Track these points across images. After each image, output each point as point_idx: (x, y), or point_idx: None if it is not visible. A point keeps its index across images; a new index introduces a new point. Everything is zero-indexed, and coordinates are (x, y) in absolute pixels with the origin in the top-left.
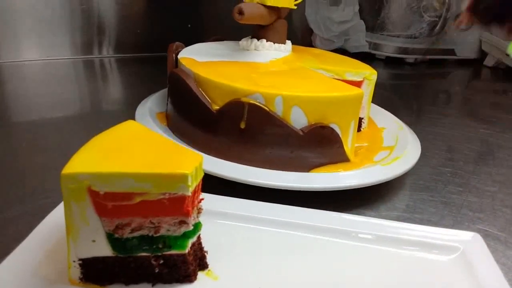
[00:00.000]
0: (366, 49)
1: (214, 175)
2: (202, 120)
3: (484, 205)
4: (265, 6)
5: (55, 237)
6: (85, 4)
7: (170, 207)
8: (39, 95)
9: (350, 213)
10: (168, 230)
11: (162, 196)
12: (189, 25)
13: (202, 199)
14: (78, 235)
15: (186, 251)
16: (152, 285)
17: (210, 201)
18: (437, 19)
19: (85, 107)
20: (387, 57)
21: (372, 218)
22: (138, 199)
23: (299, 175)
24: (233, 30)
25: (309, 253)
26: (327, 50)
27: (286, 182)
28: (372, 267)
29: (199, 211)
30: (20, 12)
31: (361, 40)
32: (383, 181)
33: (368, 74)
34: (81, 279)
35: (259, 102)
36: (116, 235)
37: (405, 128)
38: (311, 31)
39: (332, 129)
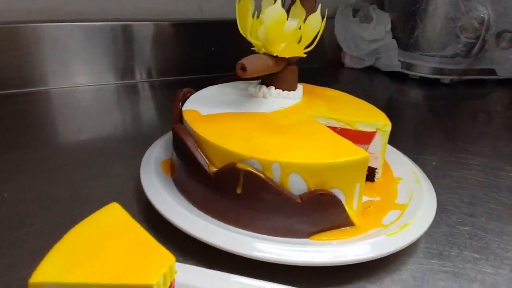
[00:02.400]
0: (398, 68)
1: (208, 243)
2: (201, 180)
3: (500, 279)
4: (272, 56)
5: None
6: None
7: None
8: (78, 121)
9: (350, 286)
10: None
11: None
12: (212, 48)
13: None
14: None
15: None
16: None
17: (197, 276)
18: (475, 40)
19: (104, 136)
20: (421, 77)
21: None
22: None
23: (297, 247)
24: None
25: None
26: (357, 68)
27: (283, 256)
28: None
29: None
30: (69, 40)
31: (393, 59)
32: (388, 254)
33: (382, 125)
34: None
35: (255, 169)
36: None
37: (422, 181)
38: (341, 49)
39: (334, 196)
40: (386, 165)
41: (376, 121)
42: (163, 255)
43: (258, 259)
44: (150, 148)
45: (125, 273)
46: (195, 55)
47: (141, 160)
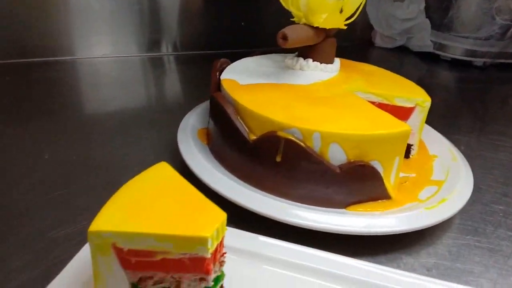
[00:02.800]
0: (430, 49)
1: (246, 208)
2: (240, 148)
3: None
4: (312, 27)
5: (81, 278)
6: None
7: (191, 265)
8: (97, 92)
9: (386, 257)
10: (189, 285)
11: (182, 256)
12: (242, 23)
13: (225, 252)
14: (105, 285)
15: None
16: None
17: (238, 238)
18: (510, 22)
19: (139, 105)
20: (453, 58)
21: (407, 274)
22: (159, 257)
23: (333, 216)
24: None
25: None
26: (387, 47)
27: (320, 223)
28: None
29: (221, 264)
30: (93, 10)
31: (425, 40)
32: (425, 227)
33: (421, 101)
34: None
35: (296, 137)
36: (140, 286)
37: (459, 159)
38: (371, 28)
39: (373, 167)
40: (421, 143)
41: (415, 96)
42: (215, 211)
43: (298, 225)
44: (185, 117)
45: (181, 226)
46: (224, 29)
47: (174, 129)
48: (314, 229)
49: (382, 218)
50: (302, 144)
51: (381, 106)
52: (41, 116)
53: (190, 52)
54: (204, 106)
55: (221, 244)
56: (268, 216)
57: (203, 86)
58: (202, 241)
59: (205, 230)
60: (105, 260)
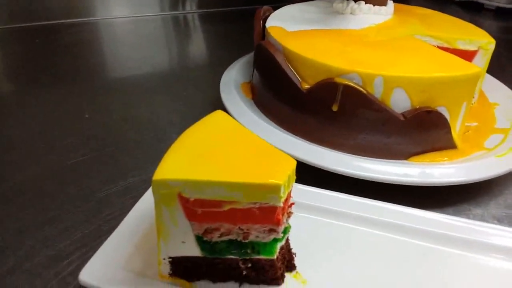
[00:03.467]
0: None
1: (300, 160)
2: (290, 98)
3: None
4: None
5: (141, 229)
6: None
7: (260, 215)
8: (128, 52)
9: (453, 208)
10: (257, 237)
11: (252, 205)
12: None
13: (293, 203)
14: (169, 236)
15: (275, 256)
16: (240, 285)
17: (299, 193)
18: None
19: (172, 64)
20: (498, 7)
21: (473, 222)
22: (227, 207)
23: (395, 166)
24: None
25: (400, 257)
26: None
27: (382, 174)
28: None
29: (289, 215)
30: None
31: None
32: (498, 176)
33: (485, 43)
34: (170, 274)
35: (356, 83)
36: (205, 238)
37: None
38: None
39: (440, 114)
40: (480, 90)
41: (478, 38)
42: (285, 158)
43: (361, 177)
44: (225, 72)
45: (251, 173)
46: None
47: (213, 85)
48: (377, 180)
49: (449, 168)
50: (362, 90)
51: (440, 49)
52: (81, 76)
53: (213, 10)
54: (244, 60)
55: (289, 194)
56: (328, 169)
57: (233, 42)
58: (275, 189)
59: (277, 177)
60: (169, 210)
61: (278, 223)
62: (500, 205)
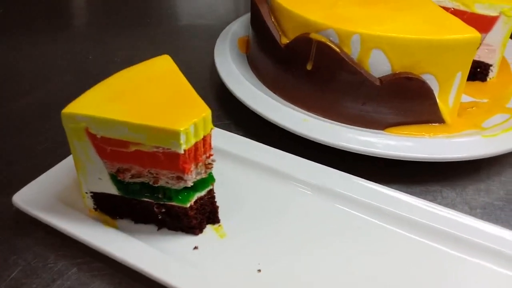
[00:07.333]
0: None
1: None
2: (272, 54)
3: None
4: None
5: None
6: None
7: (166, 161)
8: None
9: (422, 188)
10: (167, 183)
11: (155, 149)
12: None
13: (211, 154)
14: (86, 171)
15: (188, 205)
16: (158, 229)
17: (241, 146)
18: None
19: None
20: None
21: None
22: (133, 148)
23: (362, 135)
24: None
25: (332, 223)
26: None
27: (338, 141)
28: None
29: (208, 167)
30: None
31: None
32: (476, 158)
33: (507, 9)
34: (95, 208)
35: (331, 41)
36: (119, 178)
37: None
38: None
39: (423, 82)
40: (504, 63)
41: (500, 2)
42: (199, 107)
43: (315, 140)
44: (228, 25)
45: (156, 117)
46: None
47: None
48: (330, 145)
49: (423, 143)
50: (336, 48)
51: (456, 13)
52: (87, 21)
53: None
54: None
55: (206, 143)
56: (289, 130)
57: None
58: (174, 135)
59: (178, 124)
60: (81, 145)
61: (183, 171)
62: (480, 192)
